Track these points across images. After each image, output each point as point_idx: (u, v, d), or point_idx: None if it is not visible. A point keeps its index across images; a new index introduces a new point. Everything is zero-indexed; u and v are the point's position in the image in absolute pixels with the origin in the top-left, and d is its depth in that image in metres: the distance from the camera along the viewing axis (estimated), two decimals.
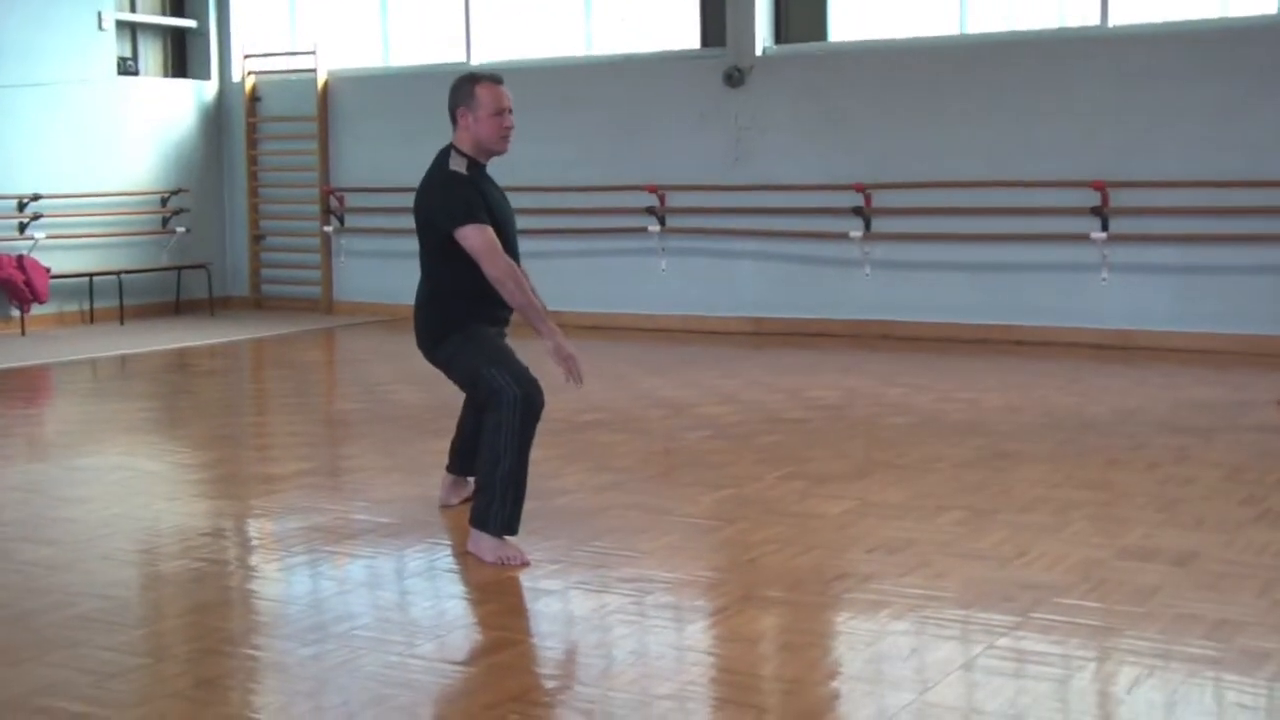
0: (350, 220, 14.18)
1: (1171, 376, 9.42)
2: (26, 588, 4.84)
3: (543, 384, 5.20)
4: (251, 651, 4.24)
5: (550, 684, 3.98)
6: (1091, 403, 8.43)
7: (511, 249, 5.32)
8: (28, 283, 12.59)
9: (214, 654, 4.21)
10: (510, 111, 5.32)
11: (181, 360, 11.13)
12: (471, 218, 5.19)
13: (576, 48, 13.21)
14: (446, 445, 6.01)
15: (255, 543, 5.51)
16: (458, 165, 5.29)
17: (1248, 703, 3.69)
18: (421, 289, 5.46)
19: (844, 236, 11.74)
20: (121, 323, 13.40)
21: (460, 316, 5.33)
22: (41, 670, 4.00)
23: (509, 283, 5.21)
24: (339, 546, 5.40)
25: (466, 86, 5.32)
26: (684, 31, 12.71)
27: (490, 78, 5.34)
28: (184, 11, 14.70)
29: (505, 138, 5.32)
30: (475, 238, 5.18)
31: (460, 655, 4.20)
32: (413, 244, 5.60)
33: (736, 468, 6.68)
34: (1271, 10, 10.51)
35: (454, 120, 5.33)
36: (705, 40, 12.56)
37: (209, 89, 14.71)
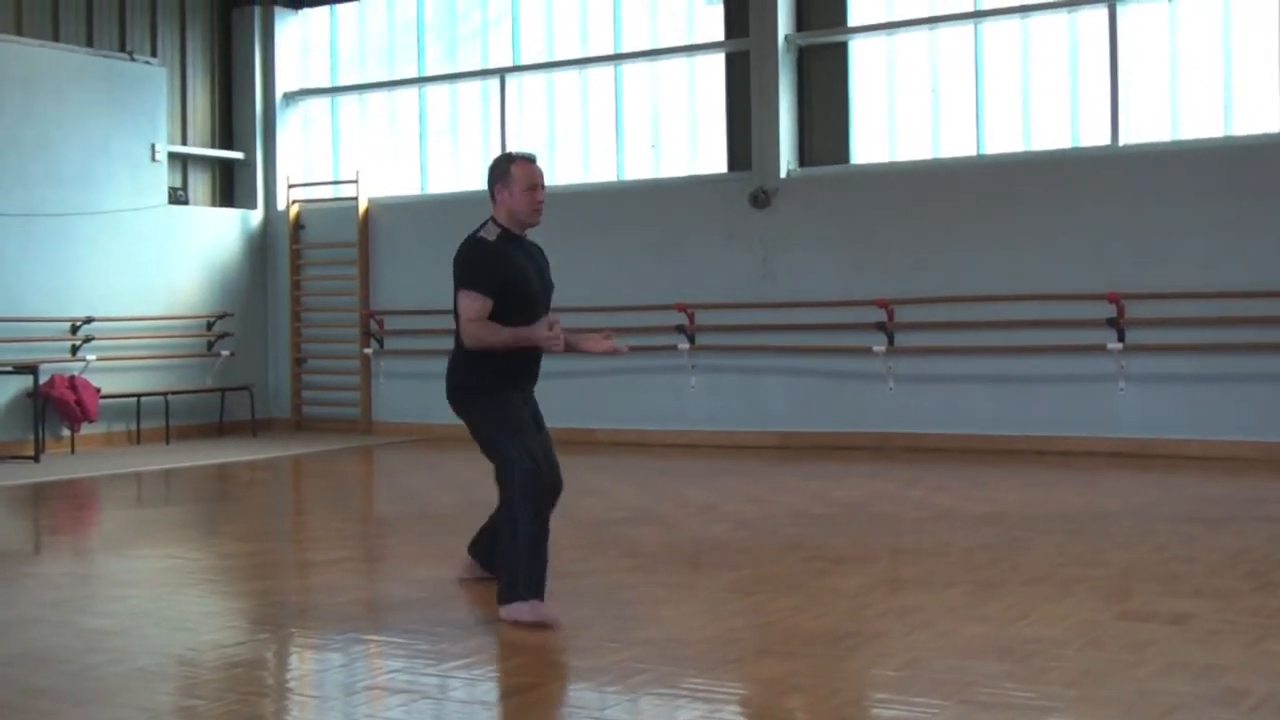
0: (389, 343, 14.63)
1: (1186, 478, 9.66)
2: (88, 648, 5.16)
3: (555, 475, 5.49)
4: (293, 695, 4.55)
5: (577, 714, 4.26)
6: (1105, 500, 8.69)
7: (538, 313, 5.64)
8: (79, 402, 13.05)
9: (260, 697, 4.54)
10: (542, 187, 5.68)
11: (224, 473, 11.50)
12: (475, 284, 5.50)
13: (609, 173, 13.74)
14: None
15: (294, 610, 5.82)
16: (488, 233, 5.64)
17: None
18: (454, 349, 5.73)
19: (867, 351, 12.10)
20: (167, 442, 13.81)
21: (486, 379, 5.60)
22: (106, 710, 4.32)
23: (484, 338, 5.48)
24: (375, 614, 5.72)
25: (503, 165, 5.71)
26: (711, 156, 13.23)
27: (524, 157, 5.74)
28: (232, 144, 15.36)
29: (537, 211, 5.68)
30: (465, 304, 5.49)
31: (492, 697, 4.50)
32: None
33: (758, 552, 6.96)
34: (1273, 130, 10.92)
35: (492, 196, 5.70)
36: (732, 164, 13.06)
37: (255, 217, 15.31)
